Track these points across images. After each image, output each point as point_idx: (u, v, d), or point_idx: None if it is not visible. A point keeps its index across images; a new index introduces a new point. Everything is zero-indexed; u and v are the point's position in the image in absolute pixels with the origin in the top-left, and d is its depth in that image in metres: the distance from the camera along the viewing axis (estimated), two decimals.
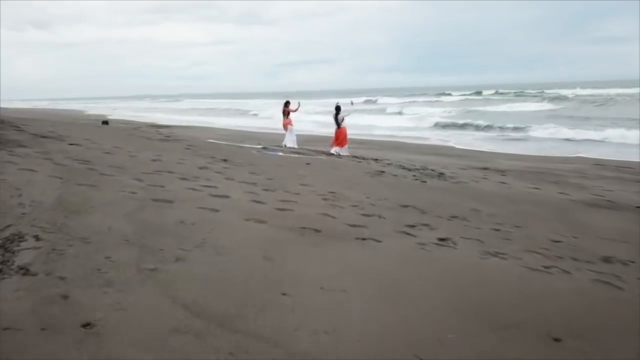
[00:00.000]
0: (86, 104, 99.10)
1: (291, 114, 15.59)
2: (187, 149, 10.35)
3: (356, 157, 13.24)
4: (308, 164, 10.05)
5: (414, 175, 9.73)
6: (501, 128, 27.26)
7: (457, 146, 22.66)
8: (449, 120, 33.15)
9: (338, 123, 13.80)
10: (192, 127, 33.21)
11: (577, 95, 55.22)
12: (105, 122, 18.35)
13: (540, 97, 55.66)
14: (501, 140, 23.94)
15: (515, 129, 26.34)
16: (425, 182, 8.96)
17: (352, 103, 14.99)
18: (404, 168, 11.09)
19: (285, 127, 15.49)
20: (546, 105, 45.34)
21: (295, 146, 15.24)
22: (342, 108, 13.97)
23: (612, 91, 56.58)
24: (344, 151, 13.62)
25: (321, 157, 12.08)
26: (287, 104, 15.68)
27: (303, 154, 12.48)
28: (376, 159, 12.84)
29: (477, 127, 28.51)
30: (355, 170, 9.68)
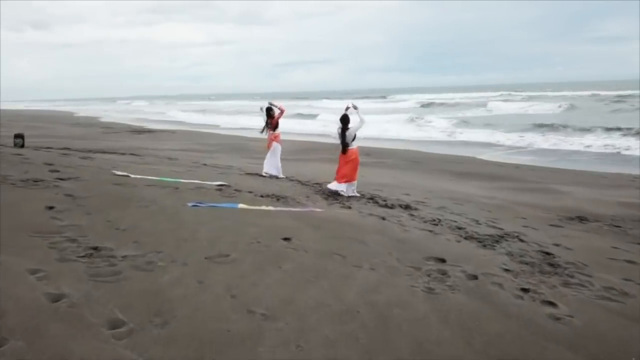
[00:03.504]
0: (85, 105, 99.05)
1: (279, 123, 10.35)
2: (49, 209, 5.20)
3: (373, 200, 8.07)
4: (287, 240, 4.92)
5: (514, 280, 4.52)
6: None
7: (481, 157, 17.77)
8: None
9: (345, 143, 8.51)
10: (179, 132, 28.12)
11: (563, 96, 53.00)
12: (19, 137, 13.11)
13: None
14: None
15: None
16: (557, 319, 3.79)
17: (354, 107, 8.57)
18: (469, 237, 5.94)
19: (268, 144, 10.22)
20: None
21: (280, 174, 10.09)
22: (351, 118, 8.56)
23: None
24: (351, 189, 8.42)
25: (316, 208, 6.90)
26: (270, 111, 10.33)
27: (284, 198, 7.32)
28: (406, 206, 7.71)
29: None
30: (384, 266, 4.50)
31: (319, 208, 6.89)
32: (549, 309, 3.81)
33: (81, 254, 3.97)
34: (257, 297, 3.46)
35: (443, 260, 4.79)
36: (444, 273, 4.42)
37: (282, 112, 10.31)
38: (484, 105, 48.88)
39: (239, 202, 6.56)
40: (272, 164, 10.14)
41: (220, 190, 7.40)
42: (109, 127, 31.38)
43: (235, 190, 7.57)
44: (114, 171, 7.94)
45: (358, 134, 8.55)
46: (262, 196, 7.31)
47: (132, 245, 4.31)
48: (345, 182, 8.28)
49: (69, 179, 6.83)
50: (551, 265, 5.04)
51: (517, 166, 15.97)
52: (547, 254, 5.47)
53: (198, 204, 6.09)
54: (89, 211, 5.25)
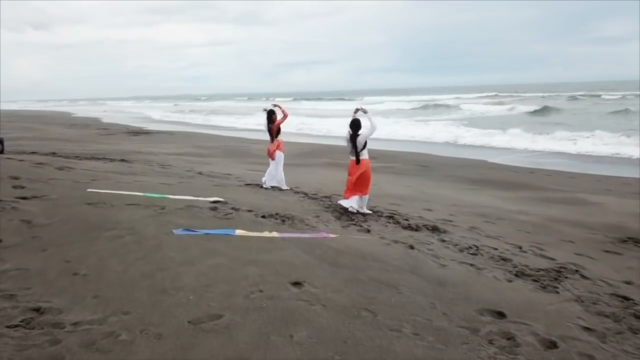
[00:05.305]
0: (76, 105, 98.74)
1: (281, 130, 9.19)
2: None
3: (393, 219, 6.93)
4: (298, 285, 3.79)
5: (603, 347, 3.33)
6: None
7: (491, 160, 16.68)
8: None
9: (357, 152, 7.41)
10: (177, 133, 27.00)
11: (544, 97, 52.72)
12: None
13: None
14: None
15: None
16: None
17: (364, 111, 7.60)
18: (520, 274, 4.80)
19: (271, 154, 9.01)
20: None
21: (284, 186, 8.97)
22: (362, 124, 7.48)
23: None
24: (360, 204, 7.29)
25: (329, 233, 5.76)
26: (271, 115, 9.16)
27: (289, 219, 6.19)
28: (433, 227, 6.57)
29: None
30: (430, 328, 3.34)
31: (332, 233, 5.75)
32: None
33: (15, 321, 2.84)
34: None
35: (502, 315, 3.66)
36: (510, 337, 3.29)
37: (285, 116, 9.16)
38: (480, 105, 48.08)
39: (237, 227, 5.43)
40: (274, 176, 8.99)
41: (214, 209, 6.26)
42: (105, 128, 30.26)
43: (233, 208, 6.43)
44: (89, 189, 6.78)
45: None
46: (263, 216, 6.17)
47: (91, 302, 3.18)
48: (357, 192, 7.18)
49: (33, 197, 5.70)
50: (638, 318, 3.91)
51: (531, 171, 14.88)
52: (625, 298, 4.34)
53: (186, 231, 4.95)
54: (45, 246, 4.12)
